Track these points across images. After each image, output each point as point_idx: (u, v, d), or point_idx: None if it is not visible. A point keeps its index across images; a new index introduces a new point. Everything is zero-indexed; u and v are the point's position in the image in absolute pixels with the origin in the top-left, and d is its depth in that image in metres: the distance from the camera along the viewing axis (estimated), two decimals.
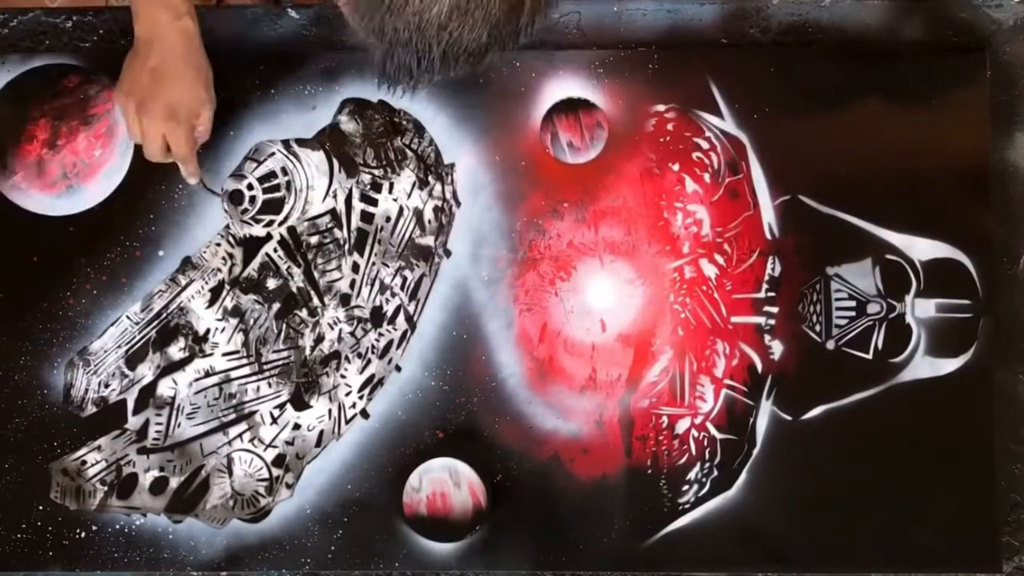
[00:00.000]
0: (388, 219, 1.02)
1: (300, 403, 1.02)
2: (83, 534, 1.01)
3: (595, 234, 1.02)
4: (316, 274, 1.02)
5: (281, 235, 1.02)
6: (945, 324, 1.02)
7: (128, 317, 1.02)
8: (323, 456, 1.02)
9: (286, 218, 1.02)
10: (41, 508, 1.01)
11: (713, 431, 1.01)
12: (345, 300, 1.02)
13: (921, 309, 1.02)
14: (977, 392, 1.01)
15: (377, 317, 1.02)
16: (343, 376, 1.02)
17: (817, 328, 1.02)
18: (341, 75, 1.02)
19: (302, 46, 1.04)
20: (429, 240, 1.02)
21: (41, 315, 1.02)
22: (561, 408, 1.02)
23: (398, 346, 1.02)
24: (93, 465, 1.00)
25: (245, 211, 1.01)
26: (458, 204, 1.02)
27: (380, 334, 1.02)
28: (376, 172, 1.02)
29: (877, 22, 1.04)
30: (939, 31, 1.04)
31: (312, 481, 1.01)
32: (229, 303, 1.02)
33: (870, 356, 1.02)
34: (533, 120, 1.02)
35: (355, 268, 1.02)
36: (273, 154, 1.02)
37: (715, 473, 1.01)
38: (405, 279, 1.02)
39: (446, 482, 0.99)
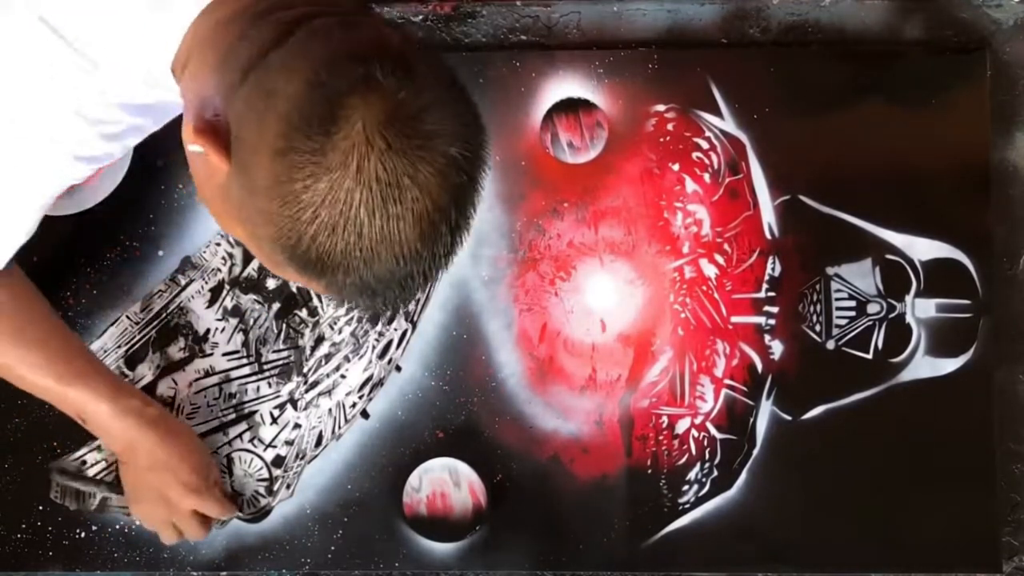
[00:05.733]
0: None
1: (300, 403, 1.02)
2: (83, 534, 1.01)
3: (595, 234, 1.02)
4: None
5: None
6: (945, 324, 1.02)
7: (128, 317, 1.01)
8: (323, 456, 1.02)
9: None
10: (41, 508, 1.01)
11: (713, 431, 1.01)
12: None
13: (921, 309, 1.02)
14: (977, 392, 1.01)
15: (377, 317, 1.02)
16: (343, 376, 1.02)
17: (817, 328, 1.02)
18: None
19: None
20: None
21: None
22: (561, 408, 1.02)
23: (398, 346, 1.02)
24: (93, 465, 1.00)
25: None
26: None
27: (380, 334, 1.02)
28: None
29: (877, 22, 1.04)
30: (939, 31, 1.04)
31: (312, 481, 1.01)
32: (229, 303, 1.02)
33: (870, 356, 1.01)
34: (533, 120, 1.02)
35: None
36: None
37: (715, 473, 1.01)
38: None
39: (446, 482, 0.99)
